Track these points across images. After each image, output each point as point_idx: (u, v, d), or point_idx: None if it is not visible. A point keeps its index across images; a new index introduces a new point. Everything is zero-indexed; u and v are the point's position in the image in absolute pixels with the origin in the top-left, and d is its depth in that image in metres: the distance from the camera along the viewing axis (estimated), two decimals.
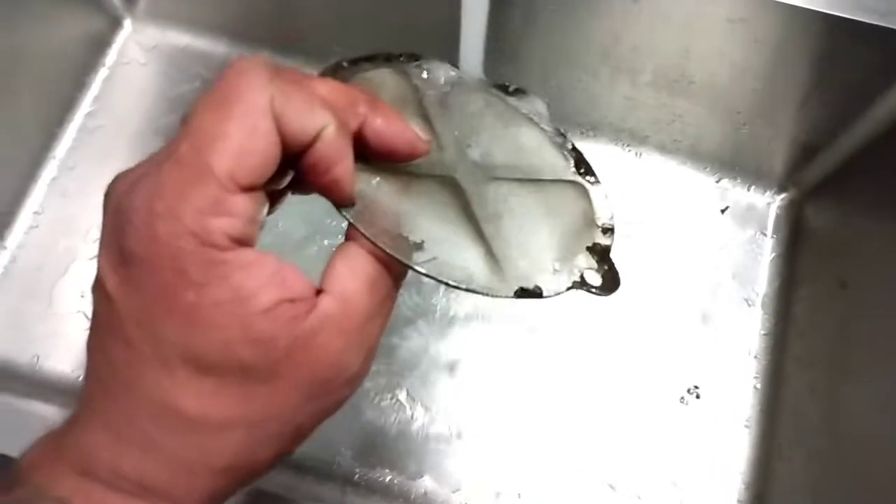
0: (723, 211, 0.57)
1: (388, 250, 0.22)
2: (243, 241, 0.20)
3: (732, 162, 0.57)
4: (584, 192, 0.28)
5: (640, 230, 0.56)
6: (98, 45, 0.61)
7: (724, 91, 0.51)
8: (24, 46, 0.53)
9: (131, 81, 0.61)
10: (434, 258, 0.23)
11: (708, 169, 0.58)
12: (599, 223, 0.27)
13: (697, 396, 0.51)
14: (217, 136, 0.19)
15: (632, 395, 0.51)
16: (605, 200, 0.28)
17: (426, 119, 0.26)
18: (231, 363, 0.20)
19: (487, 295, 0.23)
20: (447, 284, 0.23)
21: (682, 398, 0.51)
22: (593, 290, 0.25)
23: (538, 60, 0.53)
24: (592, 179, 0.28)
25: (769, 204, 0.57)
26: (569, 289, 0.25)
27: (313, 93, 0.21)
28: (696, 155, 0.58)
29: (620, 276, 0.26)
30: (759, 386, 0.52)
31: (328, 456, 0.49)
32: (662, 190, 0.57)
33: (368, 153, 0.23)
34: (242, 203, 0.20)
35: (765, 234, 0.56)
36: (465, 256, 0.24)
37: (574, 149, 0.29)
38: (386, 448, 0.49)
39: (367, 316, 0.22)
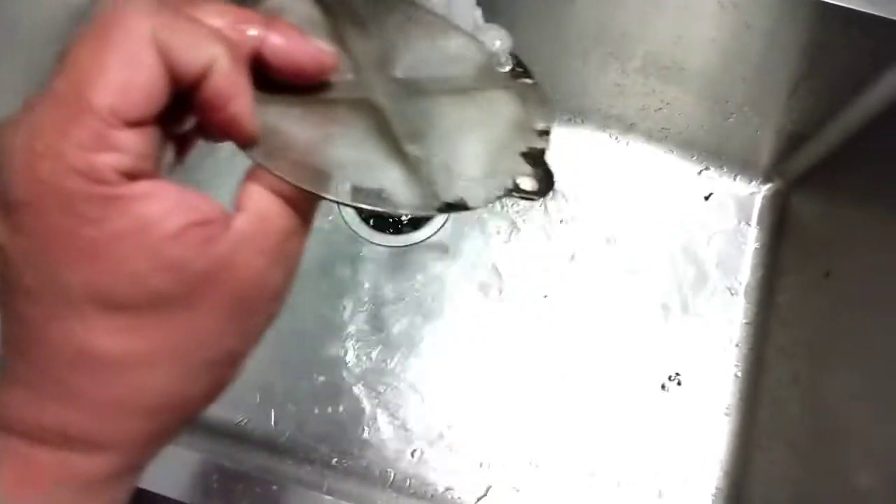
0: (706, 198, 0.57)
1: (297, 185, 0.21)
2: (137, 177, 0.19)
3: (719, 151, 0.57)
4: (518, 97, 0.27)
5: (625, 218, 0.55)
6: (84, 18, 0.59)
7: (714, 79, 0.51)
8: (12, 15, 0.52)
9: None
10: (348, 185, 0.22)
11: (694, 158, 0.57)
12: (535, 126, 0.26)
13: (678, 383, 0.51)
14: (95, 70, 0.18)
15: (613, 381, 0.51)
16: (543, 102, 0.27)
17: (341, 41, 0.24)
18: (142, 295, 0.19)
19: (409, 213, 0.22)
20: (363, 209, 0.22)
21: (664, 385, 0.51)
22: (526, 195, 0.25)
23: (528, 42, 0.52)
24: (529, 82, 0.27)
25: (754, 194, 0.57)
26: (499, 197, 0.24)
27: (202, 22, 0.20)
28: (683, 143, 0.57)
29: (554, 175, 0.25)
30: (739, 374, 0.52)
31: (307, 441, 0.48)
32: (648, 178, 0.57)
33: (273, 76, 0.22)
34: (130, 138, 0.18)
35: (749, 224, 0.56)
36: (383, 179, 0.23)
37: (509, 51, 0.28)
38: (364, 435, 0.49)
39: (286, 234, 0.21)
